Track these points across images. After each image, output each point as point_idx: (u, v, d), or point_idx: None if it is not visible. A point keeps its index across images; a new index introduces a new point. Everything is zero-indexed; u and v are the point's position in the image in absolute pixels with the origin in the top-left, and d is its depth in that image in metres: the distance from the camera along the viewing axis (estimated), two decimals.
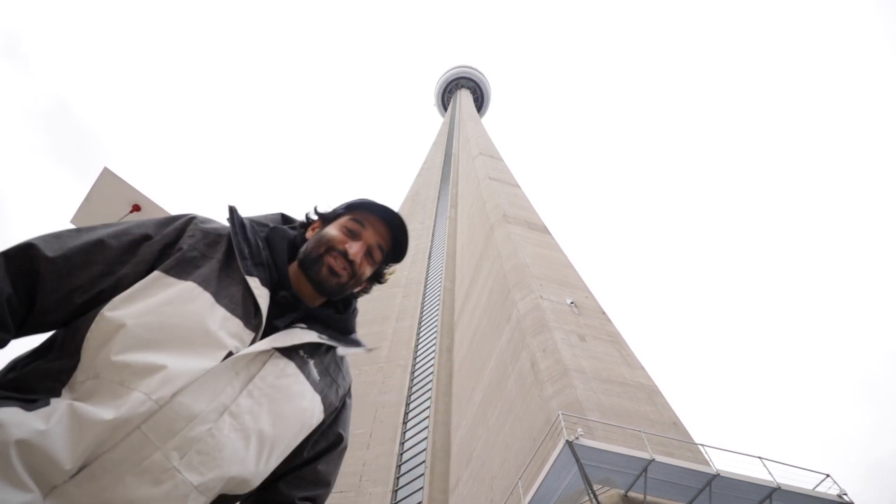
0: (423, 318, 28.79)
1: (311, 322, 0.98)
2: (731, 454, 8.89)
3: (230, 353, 0.81)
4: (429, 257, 36.21)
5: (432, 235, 40.45)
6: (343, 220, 1.05)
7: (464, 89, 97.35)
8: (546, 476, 8.42)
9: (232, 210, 0.99)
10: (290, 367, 0.90)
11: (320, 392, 0.95)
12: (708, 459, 8.98)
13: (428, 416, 19.59)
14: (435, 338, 25.20)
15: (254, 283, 0.90)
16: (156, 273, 0.84)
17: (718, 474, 8.19)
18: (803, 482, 8.72)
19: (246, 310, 0.87)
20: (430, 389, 21.20)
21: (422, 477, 16.69)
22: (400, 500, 16.52)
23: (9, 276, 0.75)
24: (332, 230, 1.03)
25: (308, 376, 0.93)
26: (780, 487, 8.31)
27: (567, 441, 8.12)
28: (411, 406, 21.52)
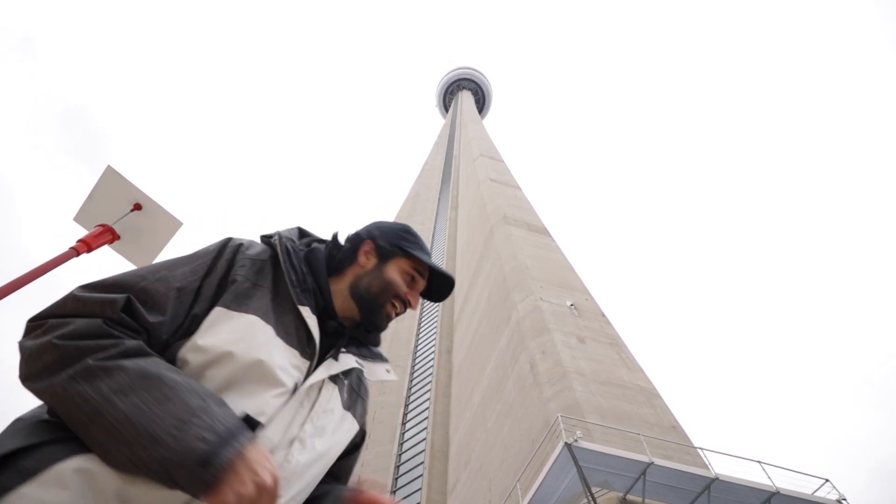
0: (423, 318, 28.80)
1: (349, 342, 1.02)
2: (730, 458, 8.90)
3: (294, 384, 0.87)
4: None
5: (432, 237, 40.49)
6: (404, 263, 1.07)
7: (465, 91, 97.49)
8: (544, 478, 8.42)
9: (280, 238, 1.01)
10: (335, 390, 0.96)
11: (351, 409, 1.01)
12: (707, 463, 8.98)
13: (427, 417, 19.59)
14: (434, 339, 25.20)
15: (305, 312, 0.93)
16: (219, 310, 0.85)
17: (717, 478, 8.19)
18: (803, 486, 8.73)
19: (300, 339, 0.91)
20: (430, 390, 21.20)
21: (420, 478, 16.68)
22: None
23: None
24: (396, 275, 1.06)
25: (343, 396, 0.99)
26: (779, 492, 8.31)
27: (566, 443, 8.12)
28: (410, 407, 21.53)
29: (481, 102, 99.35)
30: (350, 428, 0.99)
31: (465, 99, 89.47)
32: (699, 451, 9.48)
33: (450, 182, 51.78)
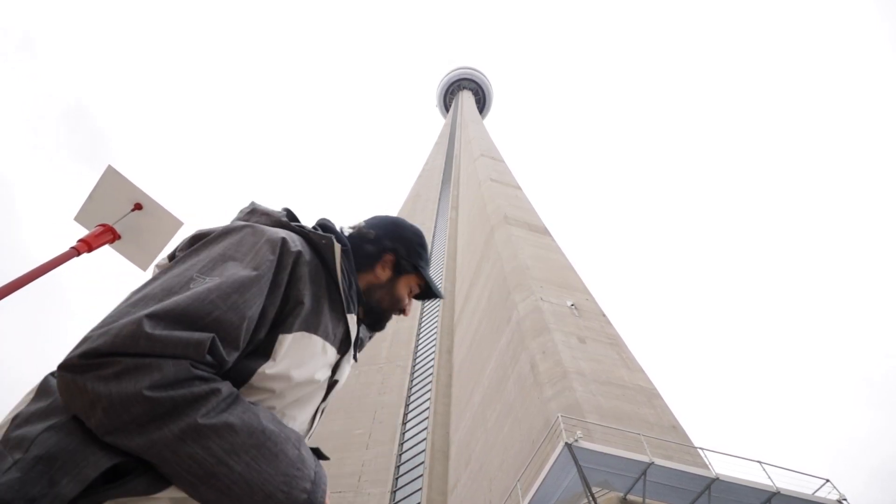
0: (423, 318, 28.80)
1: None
2: (730, 458, 8.89)
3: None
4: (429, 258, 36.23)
5: (433, 237, 40.50)
6: (413, 280, 1.14)
7: (466, 91, 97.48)
8: (545, 478, 8.41)
9: (345, 252, 0.97)
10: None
11: None
12: (707, 463, 8.97)
13: (427, 417, 19.59)
14: (435, 339, 25.20)
15: (352, 320, 0.98)
16: (289, 337, 0.83)
17: (718, 478, 8.18)
18: (803, 487, 8.72)
19: (341, 341, 0.97)
20: (430, 390, 21.20)
21: (420, 478, 16.68)
22: (399, 501, 16.52)
23: None
24: (404, 291, 1.13)
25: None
26: (779, 492, 8.30)
27: (566, 443, 8.11)
28: (410, 407, 21.53)
29: (482, 102, 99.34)
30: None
31: (466, 99, 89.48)
32: (699, 451, 9.48)
33: (450, 182, 51.81)
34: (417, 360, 24.80)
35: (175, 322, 0.68)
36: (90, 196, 2.75)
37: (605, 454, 8.13)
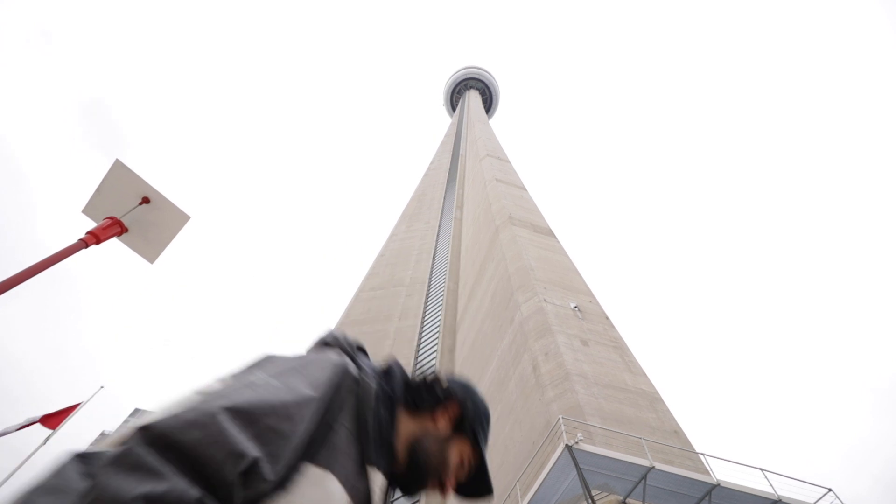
0: (426, 318, 28.82)
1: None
2: (732, 464, 8.85)
3: None
4: (433, 257, 36.27)
5: (437, 236, 40.51)
6: (466, 448, 0.99)
7: (472, 90, 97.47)
8: (544, 479, 8.41)
9: (386, 398, 0.90)
10: None
11: None
12: (708, 469, 8.94)
13: None
14: (437, 338, 25.22)
15: (374, 474, 0.83)
16: (310, 469, 0.73)
17: (718, 484, 8.15)
18: (805, 496, 8.67)
19: (363, 499, 0.82)
20: None
21: None
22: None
23: None
24: (455, 457, 0.98)
25: None
26: (780, 500, 8.26)
27: (566, 445, 8.10)
28: None
29: (489, 102, 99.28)
30: None
31: (473, 98, 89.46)
32: (701, 456, 9.44)
33: (456, 181, 51.82)
34: (419, 360, 24.83)
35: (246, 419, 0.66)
36: (98, 189, 2.78)
37: (606, 457, 8.11)
